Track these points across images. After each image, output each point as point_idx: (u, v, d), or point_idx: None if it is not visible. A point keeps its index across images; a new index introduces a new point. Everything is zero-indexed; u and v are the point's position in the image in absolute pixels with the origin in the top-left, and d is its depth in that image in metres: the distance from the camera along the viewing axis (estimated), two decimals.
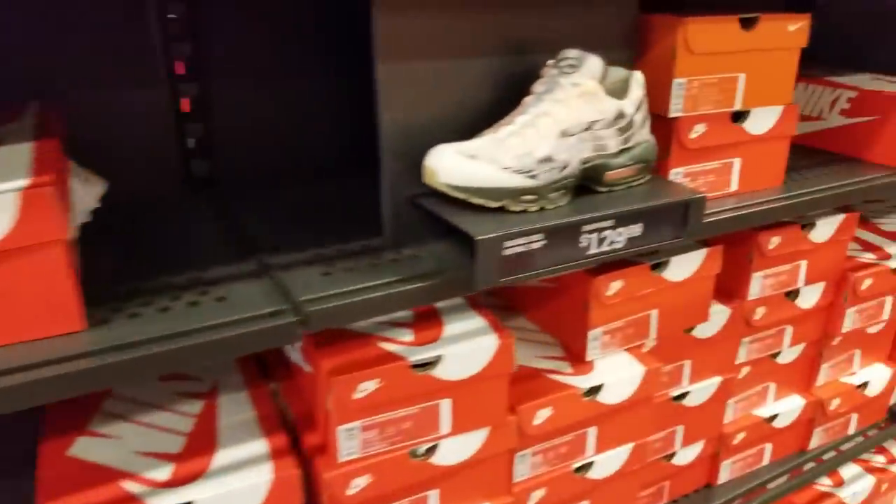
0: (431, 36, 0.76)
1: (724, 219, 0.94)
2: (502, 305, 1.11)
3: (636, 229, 0.79)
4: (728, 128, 0.96)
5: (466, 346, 0.80)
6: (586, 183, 0.82)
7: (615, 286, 0.95)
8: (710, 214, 0.94)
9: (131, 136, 0.93)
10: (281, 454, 0.75)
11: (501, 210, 0.75)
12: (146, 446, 0.76)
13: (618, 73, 0.84)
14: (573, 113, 0.77)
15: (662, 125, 0.92)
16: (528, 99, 0.79)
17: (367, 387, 0.75)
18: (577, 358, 0.98)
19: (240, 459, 0.74)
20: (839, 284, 1.23)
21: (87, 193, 0.75)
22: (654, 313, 1.01)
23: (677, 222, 0.82)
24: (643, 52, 0.93)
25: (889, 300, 1.31)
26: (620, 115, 0.80)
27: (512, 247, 0.71)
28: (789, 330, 1.22)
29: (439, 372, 0.79)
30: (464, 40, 0.78)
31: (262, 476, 0.72)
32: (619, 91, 0.82)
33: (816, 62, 1.38)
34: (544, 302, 1.04)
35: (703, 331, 1.09)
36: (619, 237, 0.78)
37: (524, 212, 0.75)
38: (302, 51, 1.01)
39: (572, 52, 0.79)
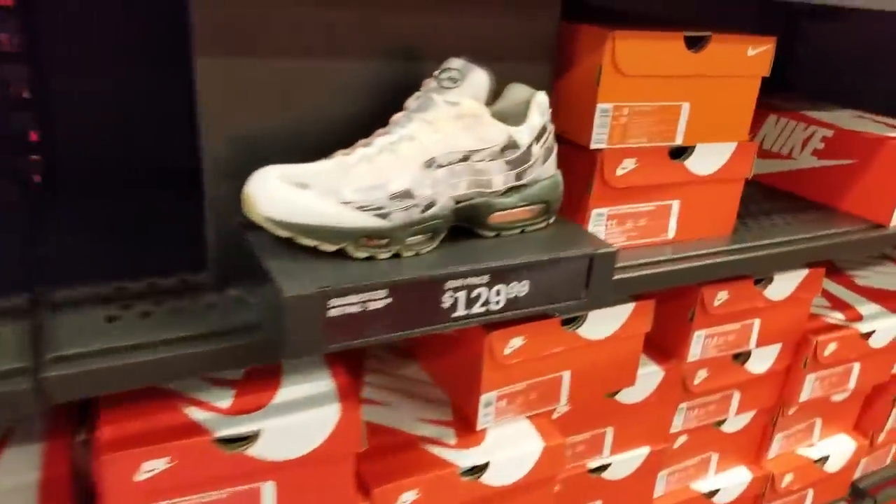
0: (277, 28, 0.60)
1: (651, 274, 0.78)
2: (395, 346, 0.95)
3: (520, 288, 0.63)
4: (665, 165, 0.80)
5: (298, 418, 0.64)
6: (466, 225, 0.65)
7: (515, 343, 0.79)
8: (635, 268, 0.77)
9: None
10: None
11: (342, 255, 0.58)
12: None
13: (521, 92, 0.68)
14: (446, 139, 0.60)
15: (583, 157, 0.76)
16: (396, 117, 0.63)
17: (154, 466, 0.59)
18: (466, 425, 0.82)
19: None
20: (799, 347, 1.06)
21: None
22: (566, 375, 0.85)
23: (577, 281, 0.66)
24: (564, 69, 0.77)
25: (856, 367, 1.14)
26: (511, 146, 0.63)
27: (340, 306, 0.55)
28: (737, 396, 1.05)
29: (259, 449, 0.63)
30: (324, 37, 0.62)
31: None
32: (521, 115, 0.66)
33: (794, 93, 1.21)
34: (439, 350, 0.87)
35: (630, 395, 0.93)
36: (496, 297, 0.62)
37: (371, 259, 0.59)
38: (146, 37, 0.84)
39: (455, 63, 0.62)
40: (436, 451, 0.78)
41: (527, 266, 0.62)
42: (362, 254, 0.59)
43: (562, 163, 0.71)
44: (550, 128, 0.67)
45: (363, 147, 0.61)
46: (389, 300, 0.57)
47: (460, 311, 0.61)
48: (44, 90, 0.80)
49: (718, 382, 1.01)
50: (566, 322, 0.82)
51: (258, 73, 0.60)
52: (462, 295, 0.60)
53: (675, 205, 0.83)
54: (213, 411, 0.63)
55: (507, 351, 0.78)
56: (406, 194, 0.59)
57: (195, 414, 0.63)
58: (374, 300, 0.56)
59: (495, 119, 0.64)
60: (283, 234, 0.57)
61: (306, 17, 0.61)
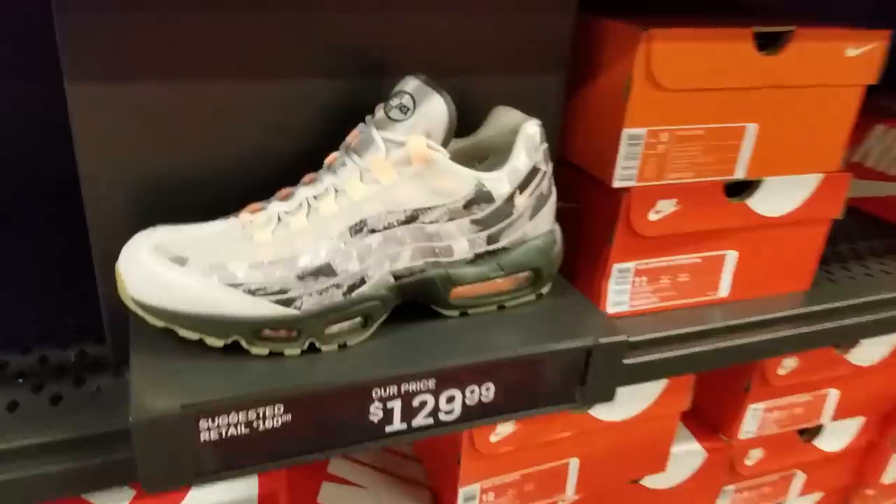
0: (174, 39, 0.44)
1: (688, 356, 0.59)
2: None
3: (484, 392, 0.46)
4: (719, 206, 0.60)
5: None
6: (421, 301, 0.49)
7: (504, 430, 0.62)
8: (667, 344, 0.59)
9: None
10: None
11: (239, 350, 0.43)
12: None
13: (510, 118, 0.50)
14: (383, 193, 0.44)
15: (604, 197, 0.57)
16: (332, 157, 0.46)
17: None
18: None
19: None
20: (888, 420, 0.84)
21: None
22: (574, 463, 0.68)
23: (568, 379, 0.48)
24: (583, 80, 0.58)
25: None
26: (481, 198, 0.46)
27: (216, 428, 0.40)
28: (800, 477, 0.85)
29: None
30: (242, 48, 0.46)
31: None
32: (510, 147, 0.48)
33: None
34: None
35: (662, 480, 0.75)
36: (449, 405, 0.46)
37: (278, 355, 0.44)
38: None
39: (410, 84, 0.45)
40: None
41: (488, 366, 0.45)
42: (261, 350, 0.43)
43: (580, 198, 0.53)
44: (545, 168, 0.49)
45: (278, 201, 0.45)
46: (287, 417, 0.42)
47: (397, 425, 0.45)
48: None
49: (777, 463, 0.81)
50: None
51: (150, 100, 0.45)
52: (397, 405, 0.44)
53: (731, 256, 0.63)
54: None
55: (493, 439, 0.62)
56: (322, 271, 0.43)
57: None
58: (267, 417, 0.41)
59: (469, 158, 0.46)
60: (157, 323, 0.42)
61: (216, 22, 0.44)
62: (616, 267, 0.59)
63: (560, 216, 0.52)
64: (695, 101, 0.54)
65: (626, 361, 0.55)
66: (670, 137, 0.55)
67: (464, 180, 0.45)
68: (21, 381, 0.47)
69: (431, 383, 0.44)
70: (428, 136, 0.43)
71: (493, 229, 0.47)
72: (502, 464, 0.64)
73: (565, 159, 0.61)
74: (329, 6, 0.46)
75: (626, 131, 0.53)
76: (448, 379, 0.45)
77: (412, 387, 0.44)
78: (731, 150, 0.57)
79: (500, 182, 0.46)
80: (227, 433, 0.41)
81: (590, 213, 0.60)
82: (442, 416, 0.46)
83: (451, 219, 0.45)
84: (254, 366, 0.43)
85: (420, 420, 0.45)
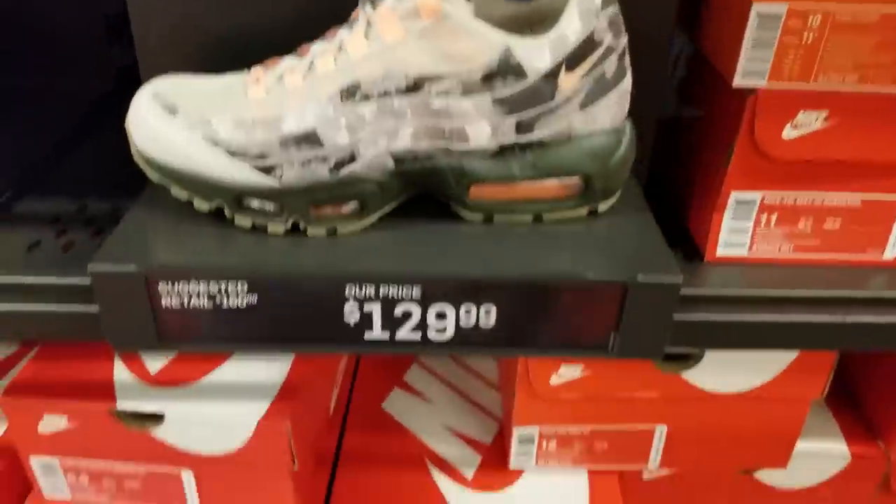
0: None
1: (821, 325, 0.45)
2: None
3: (483, 316, 0.38)
4: (893, 125, 0.43)
5: (206, 409, 0.50)
6: (442, 199, 0.42)
7: (568, 373, 0.53)
8: (791, 305, 0.45)
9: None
10: None
11: (223, 219, 0.40)
12: None
13: None
14: (383, 53, 0.37)
15: (725, 99, 0.44)
16: (356, 11, 0.40)
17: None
18: (501, 457, 0.60)
19: None
20: None
21: None
22: (660, 430, 0.57)
23: (597, 322, 0.38)
24: None
25: None
26: (507, 70, 0.37)
27: (177, 295, 0.38)
28: None
29: (167, 434, 0.51)
30: None
31: None
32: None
33: None
34: None
35: (784, 478, 0.60)
36: (439, 323, 0.39)
37: (262, 231, 0.40)
38: None
39: None
40: (440, 482, 0.58)
41: (485, 284, 0.37)
42: (244, 221, 0.40)
43: (698, 103, 0.42)
44: (611, 42, 0.38)
45: (294, 56, 0.40)
46: (253, 298, 0.38)
47: (376, 334, 0.39)
48: None
49: None
50: (668, 357, 0.53)
51: None
52: (376, 309, 0.38)
53: None
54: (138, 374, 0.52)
55: (555, 381, 0.53)
56: (306, 139, 0.37)
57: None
58: (230, 294, 0.38)
59: (524, 26, 0.38)
60: (153, 176, 0.40)
61: None
62: (734, 196, 0.46)
63: (665, 123, 0.41)
64: None
65: (707, 317, 0.43)
66: (824, 21, 0.40)
67: (485, 44, 0.36)
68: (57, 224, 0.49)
69: (416, 292, 0.37)
70: None
71: (525, 115, 0.38)
72: (567, 411, 0.55)
73: (699, 51, 0.48)
74: None
75: (757, 7, 0.39)
76: (437, 291, 0.37)
77: (392, 291, 0.37)
78: None
79: (536, 52, 0.36)
80: (188, 303, 0.38)
81: (711, 122, 0.47)
82: (431, 335, 0.39)
83: (465, 93, 0.37)
84: (234, 238, 0.40)
85: (405, 333, 0.39)
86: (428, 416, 0.63)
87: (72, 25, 0.67)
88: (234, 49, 0.44)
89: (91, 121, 0.65)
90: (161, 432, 0.50)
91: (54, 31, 0.68)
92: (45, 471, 0.54)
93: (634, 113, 0.41)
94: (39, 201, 0.53)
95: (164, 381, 0.52)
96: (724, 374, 0.55)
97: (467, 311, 0.38)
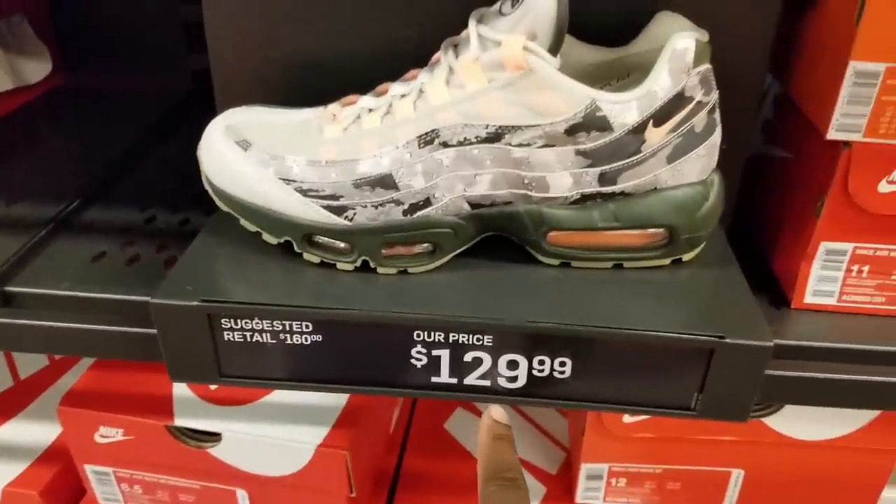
0: None
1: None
2: None
3: (556, 368, 0.39)
4: None
5: (262, 431, 0.52)
6: (517, 241, 0.42)
7: (632, 417, 0.53)
8: (869, 358, 0.44)
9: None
10: None
11: (292, 253, 0.42)
12: None
13: (671, 29, 0.39)
14: (465, 101, 0.37)
15: (817, 151, 0.44)
16: (438, 54, 0.40)
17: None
18: (567, 491, 0.61)
19: None
20: None
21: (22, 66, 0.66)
22: (737, 475, 0.57)
23: (680, 381, 0.39)
24: None
25: None
26: (592, 125, 0.37)
27: (240, 330, 0.39)
28: None
29: (223, 453, 0.53)
30: None
31: None
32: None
33: None
34: None
35: None
36: (510, 371, 0.39)
37: (331, 266, 0.41)
38: None
39: None
40: None
41: (560, 336, 0.37)
42: (313, 257, 0.41)
43: (795, 148, 0.43)
44: (703, 98, 0.37)
45: (372, 96, 0.41)
46: (317, 337, 0.39)
47: (444, 378, 0.40)
48: None
49: None
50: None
51: None
52: (444, 354, 0.39)
53: None
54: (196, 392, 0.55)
55: (627, 419, 0.54)
56: (381, 182, 0.38)
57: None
58: (293, 332, 0.39)
59: (609, 75, 0.38)
60: (222, 206, 0.42)
61: None
62: (825, 246, 0.45)
63: (752, 165, 0.41)
64: None
65: (793, 373, 0.42)
66: None
67: (570, 98, 0.36)
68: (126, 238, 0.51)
69: (487, 340, 0.38)
70: (532, 38, 0.35)
71: (609, 167, 0.38)
72: (639, 450, 0.56)
73: (788, 94, 0.47)
74: None
75: (854, 65, 0.38)
76: (509, 340, 0.38)
77: (463, 338, 0.38)
78: None
79: (623, 107, 0.36)
80: (251, 338, 0.39)
81: (801, 169, 0.46)
82: (501, 382, 0.40)
83: (547, 144, 0.37)
84: (302, 273, 0.41)
85: (473, 380, 0.40)
86: None
87: (151, 28, 0.69)
88: (309, 80, 0.45)
89: (163, 127, 0.67)
90: (217, 451, 0.53)
91: (133, 32, 0.70)
92: (99, 479, 0.57)
93: (722, 162, 0.40)
94: (106, 211, 0.55)
95: (222, 400, 0.54)
96: (808, 421, 0.55)
97: (540, 362, 0.38)
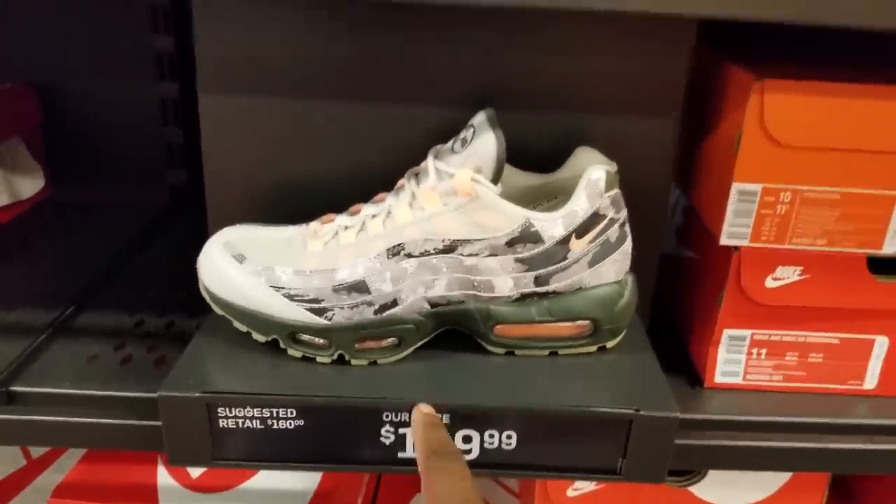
0: (287, 61, 0.52)
1: (804, 451, 0.54)
2: None
3: (504, 441, 0.48)
4: (861, 281, 0.54)
5: None
6: (467, 332, 0.51)
7: (583, 486, 0.62)
8: (779, 431, 0.54)
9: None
10: None
11: (277, 349, 0.50)
12: None
13: (588, 160, 0.50)
14: (425, 221, 0.47)
15: (715, 254, 0.55)
16: (401, 181, 0.51)
17: None
18: None
19: None
20: None
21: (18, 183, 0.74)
22: None
23: (607, 449, 0.48)
24: (701, 117, 0.56)
25: None
26: (527, 238, 0.47)
27: (233, 418, 0.47)
28: None
29: None
30: (352, 72, 0.53)
31: None
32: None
33: None
34: None
35: None
36: (465, 445, 0.48)
37: (309, 360, 0.50)
38: None
39: (477, 118, 0.48)
40: None
41: (506, 413, 0.46)
42: (296, 352, 0.50)
43: (694, 248, 0.55)
44: (614, 216, 0.48)
45: (347, 215, 0.51)
46: (300, 422, 0.47)
47: (409, 453, 0.48)
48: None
49: None
50: (675, 472, 0.62)
51: (263, 112, 0.53)
52: (409, 432, 0.47)
53: (881, 342, 0.56)
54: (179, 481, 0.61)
55: (571, 493, 0.62)
56: (356, 287, 0.48)
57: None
58: (280, 418, 0.47)
59: (539, 196, 0.49)
60: (223, 313, 0.51)
61: (325, 51, 0.52)
62: (727, 333, 0.56)
63: (670, 263, 0.51)
64: (825, 161, 0.49)
65: (707, 442, 0.52)
66: (794, 198, 0.50)
67: (509, 217, 0.47)
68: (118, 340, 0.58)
69: (446, 418, 0.47)
70: (478, 171, 0.46)
71: (542, 271, 0.48)
72: None
73: (692, 205, 0.59)
74: (449, 39, 0.51)
75: (737, 186, 0.50)
76: (463, 417, 0.47)
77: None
78: (876, 220, 0.51)
79: (551, 223, 0.47)
80: (243, 424, 0.47)
81: (704, 268, 0.57)
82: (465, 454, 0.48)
83: (492, 254, 0.47)
84: (286, 366, 0.50)
85: None
86: None
87: (132, 147, 0.79)
88: (290, 199, 0.55)
89: (145, 237, 0.76)
90: None
91: (117, 150, 0.80)
92: None
93: (637, 263, 0.51)
94: (99, 316, 0.62)
95: (204, 487, 0.61)
96: (728, 488, 0.64)
97: (490, 436, 0.47)
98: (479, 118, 0.48)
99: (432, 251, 0.48)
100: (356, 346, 0.49)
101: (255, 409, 0.47)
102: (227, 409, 0.47)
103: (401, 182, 0.50)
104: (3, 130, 0.75)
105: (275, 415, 0.47)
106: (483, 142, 0.46)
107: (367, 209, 0.50)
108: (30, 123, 0.79)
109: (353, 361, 0.50)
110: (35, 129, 0.79)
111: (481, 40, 0.51)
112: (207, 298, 0.51)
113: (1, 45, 0.79)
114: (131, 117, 0.81)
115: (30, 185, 0.77)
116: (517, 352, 0.51)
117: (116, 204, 0.82)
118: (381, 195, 0.51)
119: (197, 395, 0.47)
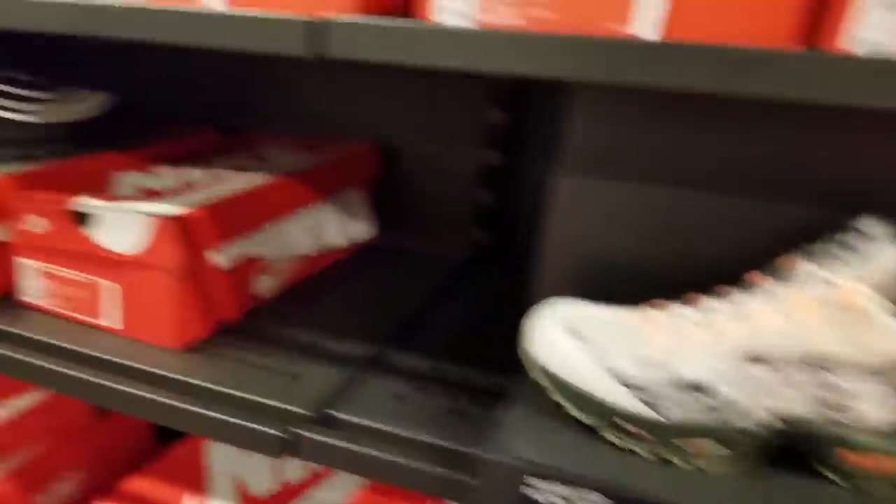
0: (651, 152, 0.54)
1: None
2: None
3: None
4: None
5: None
6: (807, 458, 0.47)
7: None
8: None
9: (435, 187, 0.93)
10: None
11: (597, 435, 0.49)
12: None
13: None
14: (792, 329, 0.44)
15: None
16: (752, 277, 0.49)
17: None
18: None
19: None
20: None
21: (340, 230, 0.83)
22: None
23: None
24: None
25: None
26: None
27: (539, 489, 0.46)
28: None
29: None
30: (712, 167, 0.53)
31: None
32: None
33: None
34: None
35: None
36: None
37: (629, 452, 0.48)
38: None
39: (865, 224, 0.45)
40: None
41: None
42: (615, 439, 0.48)
43: None
44: None
45: (685, 305, 0.49)
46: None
47: None
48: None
49: None
50: None
51: (620, 196, 0.55)
52: None
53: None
54: None
55: None
56: (699, 388, 0.45)
57: None
58: (582, 499, 0.45)
59: None
60: (550, 388, 0.51)
61: (690, 145, 0.52)
62: None
63: None
64: None
65: None
66: None
67: (893, 342, 0.42)
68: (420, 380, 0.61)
69: None
70: (876, 287, 0.42)
71: None
72: None
73: None
74: (815, 141, 0.50)
75: None
76: None
77: None
78: None
79: None
80: (546, 499, 0.46)
81: None
82: None
83: (860, 377, 0.43)
84: (601, 449, 0.48)
85: None
86: None
87: (446, 203, 0.85)
88: (614, 278, 0.56)
89: (450, 287, 0.80)
90: None
91: (432, 205, 0.87)
92: None
93: None
94: (406, 357, 0.65)
95: None
96: None
97: None
98: (867, 224, 0.44)
99: (794, 362, 0.44)
100: (683, 446, 0.46)
101: (560, 486, 0.45)
102: (535, 480, 0.46)
103: (755, 278, 0.47)
104: (345, 182, 0.84)
105: (579, 495, 0.45)
106: (884, 255, 0.42)
107: (710, 302, 0.48)
108: (367, 176, 0.88)
109: (676, 461, 0.47)
110: (371, 182, 0.88)
111: (844, 140, 0.49)
112: (534, 370, 0.51)
113: (351, 106, 0.91)
114: (453, 178, 0.87)
115: (363, 230, 0.86)
116: (860, 483, 0.45)
117: (421, 253, 0.89)
118: (723, 288, 0.48)
119: (515, 462, 0.46)
